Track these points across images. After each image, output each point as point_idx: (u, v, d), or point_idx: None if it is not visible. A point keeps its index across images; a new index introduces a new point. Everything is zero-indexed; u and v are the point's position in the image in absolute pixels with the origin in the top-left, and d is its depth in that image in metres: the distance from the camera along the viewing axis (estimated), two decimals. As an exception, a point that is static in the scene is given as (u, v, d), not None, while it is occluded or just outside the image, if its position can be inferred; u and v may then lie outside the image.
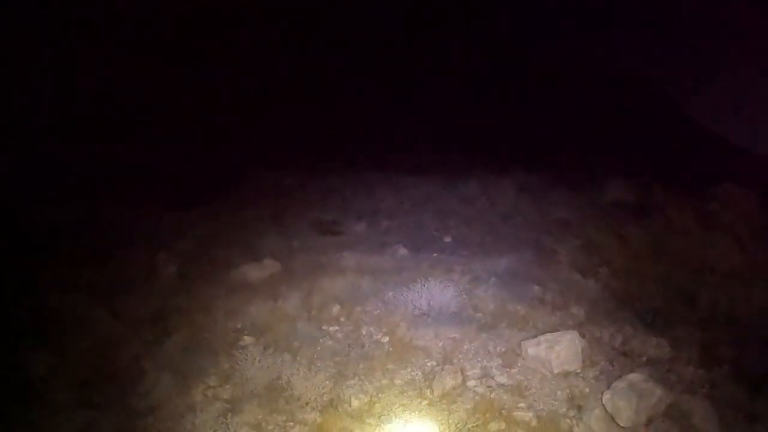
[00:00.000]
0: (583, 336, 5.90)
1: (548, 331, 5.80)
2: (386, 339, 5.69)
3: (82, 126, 11.80)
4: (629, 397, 4.99)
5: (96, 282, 6.47)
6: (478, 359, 5.49)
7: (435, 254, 7.67)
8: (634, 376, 5.25)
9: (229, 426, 4.61)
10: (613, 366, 5.72)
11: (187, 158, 10.89)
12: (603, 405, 5.05)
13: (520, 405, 5.00)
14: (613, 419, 4.98)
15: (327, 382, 5.01)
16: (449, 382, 5.10)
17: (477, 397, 5.03)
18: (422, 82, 17.38)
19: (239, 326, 5.81)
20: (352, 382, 5.10)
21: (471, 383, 5.18)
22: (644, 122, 16.59)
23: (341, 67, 16.90)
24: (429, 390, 5.07)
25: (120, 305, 6.08)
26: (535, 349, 5.57)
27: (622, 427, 4.93)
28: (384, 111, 15.14)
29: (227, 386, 5.08)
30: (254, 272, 6.77)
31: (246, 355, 5.25)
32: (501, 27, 20.76)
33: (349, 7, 18.52)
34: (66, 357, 5.33)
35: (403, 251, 7.65)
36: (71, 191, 8.90)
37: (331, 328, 5.80)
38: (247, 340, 5.60)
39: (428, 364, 5.40)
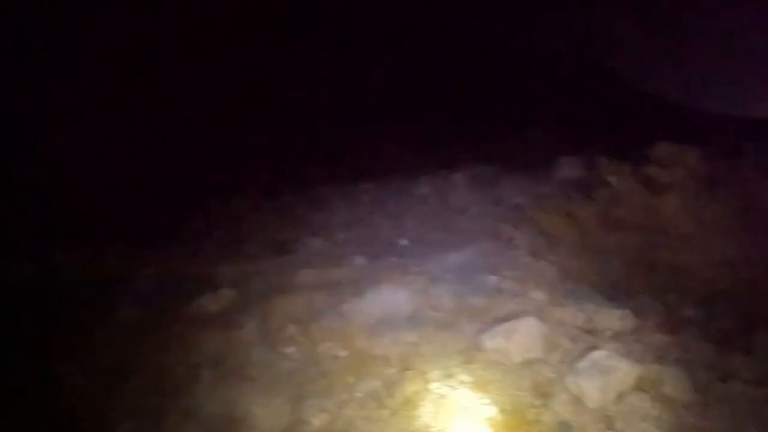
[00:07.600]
0: (543, 320, 5.82)
1: (508, 320, 5.72)
2: (344, 353, 5.63)
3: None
4: (593, 377, 4.88)
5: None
6: (438, 360, 5.44)
7: (393, 259, 7.60)
8: (596, 354, 5.15)
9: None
10: (576, 345, 5.57)
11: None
12: (568, 389, 4.91)
13: (484, 401, 4.93)
14: (580, 401, 4.82)
15: (286, 405, 4.95)
16: (410, 388, 5.06)
17: (439, 399, 4.97)
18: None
19: (198, 360, 5.68)
20: (311, 401, 5.04)
21: (432, 386, 5.13)
22: (584, 94, 16.66)
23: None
24: (390, 399, 5.02)
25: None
26: (492, 341, 5.51)
27: (591, 408, 4.74)
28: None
29: (188, 423, 4.97)
30: (211, 303, 6.65)
31: (204, 388, 5.20)
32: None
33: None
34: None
35: (359, 260, 7.57)
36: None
37: (287, 350, 5.70)
38: (205, 373, 5.49)
39: (388, 372, 5.35)
